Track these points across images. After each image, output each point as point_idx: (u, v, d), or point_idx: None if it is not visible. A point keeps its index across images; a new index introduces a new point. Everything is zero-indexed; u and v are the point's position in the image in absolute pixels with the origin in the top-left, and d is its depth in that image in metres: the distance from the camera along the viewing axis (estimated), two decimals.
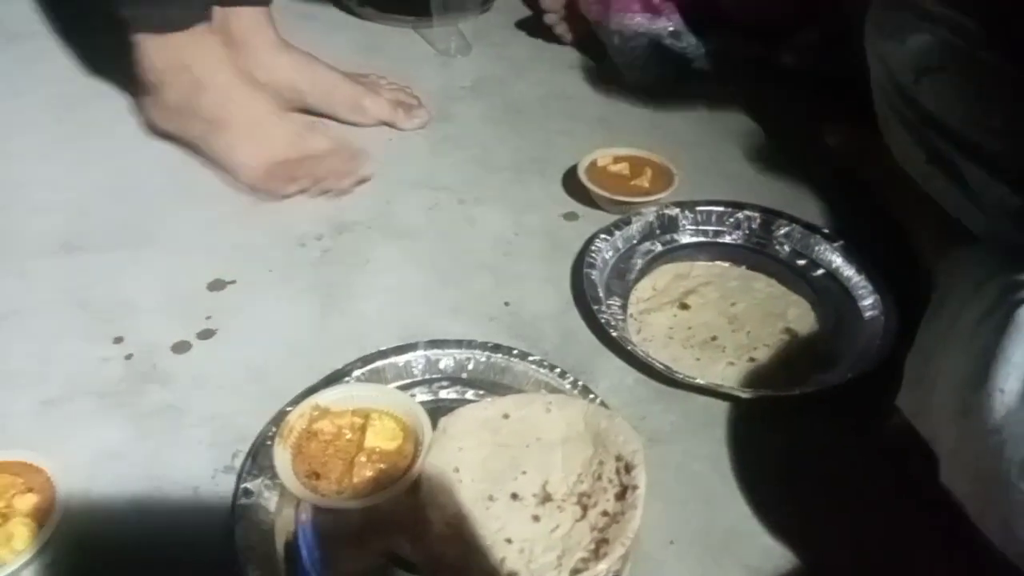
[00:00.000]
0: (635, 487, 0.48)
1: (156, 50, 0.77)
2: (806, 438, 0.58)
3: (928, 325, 0.50)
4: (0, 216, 0.74)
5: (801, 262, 0.74)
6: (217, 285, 0.68)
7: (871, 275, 0.70)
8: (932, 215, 0.64)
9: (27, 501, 0.48)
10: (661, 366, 0.60)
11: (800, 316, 0.68)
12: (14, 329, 0.63)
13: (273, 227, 0.75)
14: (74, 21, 1.03)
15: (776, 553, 0.51)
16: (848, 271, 0.72)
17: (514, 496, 0.49)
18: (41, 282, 0.67)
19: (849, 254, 0.72)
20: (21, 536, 0.46)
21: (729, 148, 0.91)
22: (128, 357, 0.61)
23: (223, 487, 0.52)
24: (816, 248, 0.74)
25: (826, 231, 0.75)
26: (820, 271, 0.73)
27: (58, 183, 0.78)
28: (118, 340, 0.62)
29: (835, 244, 0.73)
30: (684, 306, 0.68)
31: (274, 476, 0.50)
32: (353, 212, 0.78)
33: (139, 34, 0.77)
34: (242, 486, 0.51)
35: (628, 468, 0.49)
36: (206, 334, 0.64)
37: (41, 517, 0.48)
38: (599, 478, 0.49)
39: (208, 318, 0.65)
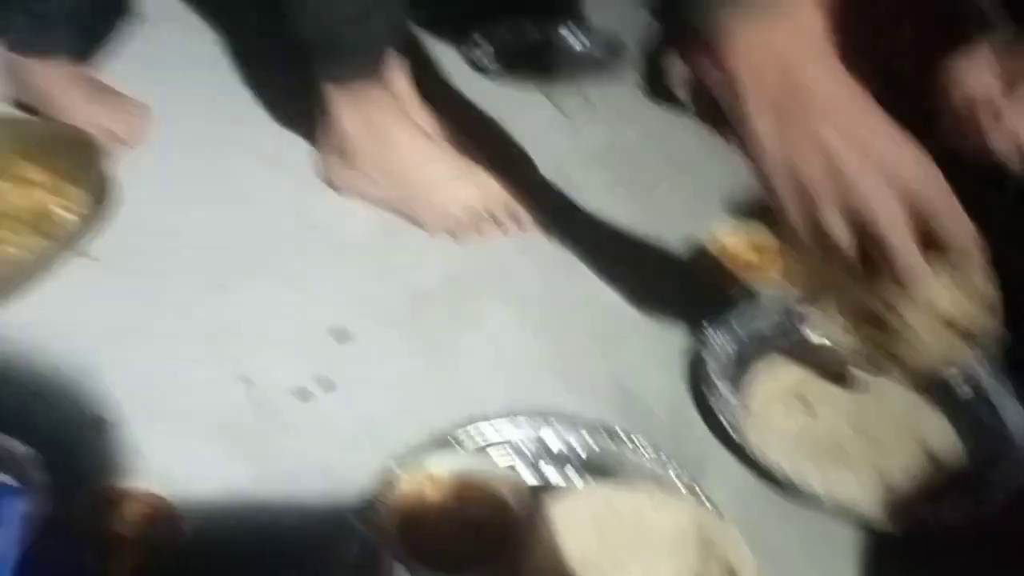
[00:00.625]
0: None
1: (346, 112, 0.82)
2: (947, 572, 0.53)
3: None
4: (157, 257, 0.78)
5: None
6: (342, 336, 0.71)
7: (1020, 387, 0.64)
8: None
9: (152, 531, 0.51)
10: (782, 476, 0.57)
11: (938, 431, 0.63)
12: (155, 365, 0.66)
13: (399, 280, 0.77)
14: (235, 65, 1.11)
15: None
16: (993, 382, 0.65)
17: None
18: (183, 320, 0.71)
19: (996, 364, 0.66)
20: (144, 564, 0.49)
21: None
22: (254, 400, 0.64)
23: (331, 541, 0.53)
24: None
25: None
26: (963, 381, 0.67)
27: (205, 226, 0.82)
28: (247, 382, 0.65)
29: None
30: (809, 409, 0.64)
31: (379, 538, 0.51)
32: (474, 272, 0.79)
33: (331, 92, 0.81)
34: (349, 545, 0.52)
35: None
36: (327, 384, 0.66)
37: (163, 548, 0.50)
38: None
39: (330, 368, 0.67)
